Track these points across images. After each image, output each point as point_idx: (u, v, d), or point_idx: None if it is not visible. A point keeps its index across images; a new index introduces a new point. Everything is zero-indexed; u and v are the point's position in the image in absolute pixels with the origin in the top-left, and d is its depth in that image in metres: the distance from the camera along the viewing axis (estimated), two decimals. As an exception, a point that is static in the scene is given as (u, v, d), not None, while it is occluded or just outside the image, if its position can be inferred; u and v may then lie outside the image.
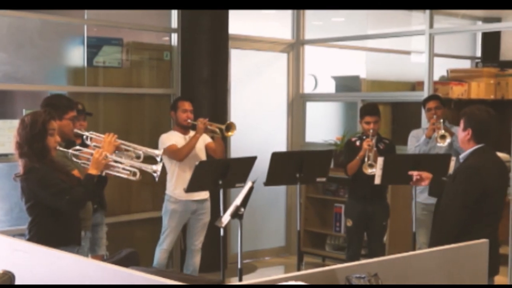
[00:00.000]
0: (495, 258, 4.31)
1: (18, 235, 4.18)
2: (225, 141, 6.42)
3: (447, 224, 4.33)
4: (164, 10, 7.27)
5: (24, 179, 4.06)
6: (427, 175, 4.91)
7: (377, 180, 5.64)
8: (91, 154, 4.31)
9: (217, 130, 6.17)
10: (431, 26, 7.24)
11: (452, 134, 5.90)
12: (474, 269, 3.07)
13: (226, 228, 5.26)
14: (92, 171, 4.19)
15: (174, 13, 7.28)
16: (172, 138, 6.10)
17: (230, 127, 6.23)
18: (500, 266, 5.00)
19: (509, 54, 8.35)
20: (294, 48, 8.47)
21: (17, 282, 2.46)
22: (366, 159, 6.09)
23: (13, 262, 2.54)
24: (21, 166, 4.05)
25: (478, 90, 8.42)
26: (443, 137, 6.00)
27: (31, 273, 2.65)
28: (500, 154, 5.13)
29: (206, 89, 7.19)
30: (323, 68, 8.87)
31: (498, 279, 5.06)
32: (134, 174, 4.47)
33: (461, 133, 4.48)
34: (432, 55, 7.30)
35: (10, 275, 2.41)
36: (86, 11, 6.75)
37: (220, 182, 5.52)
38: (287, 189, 8.31)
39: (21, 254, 2.87)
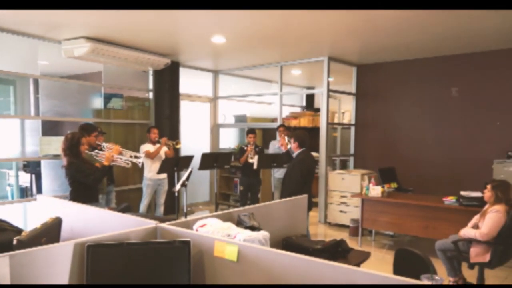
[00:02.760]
0: (310, 203, 4.48)
1: (64, 197, 4.02)
2: (176, 150, 6.33)
3: (291, 187, 4.43)
4: (145, 78, 7.16)
5: (67, 168, 3.99)
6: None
7: (255, 166, 5.78)
8: (105, 154, 4.26)
9: (171, 144, 6.15)
10: (281, 90, 7.43)
11: (290, 143, 6.09)
12: (300, 208, 3.04)
13: (178, 192, 5.22)
14: (106, 163, 4.16)
15: (151, 80, 7.16)
16: (147, 147, 5.99)
17: (178, 143, 6.26)
18: (313, 207, 5.24)
19: (318, 104, 8.68)
20: (213, 100, 8.48)
21: (63, 224, 2.31)
22: (250, 155, 6.19)
23: (61, 212, 2.43)
24: (65, 161, 3.97)
25: (304, 122, 8.74)
26: (286, 145, 6.17)
27: (71, 217, 2.50)
28: (314, 153, 5.35)
29: (167, 121, 7.11)
30: (228, 110, 8.92)
31: (312, 213, 5.22)
32: (128, 164, 4.49)
33: (293, 143, 4.66)
34: (281, 105, 7.51)
35: (59, 219, 2.30)
36: (103, 78, 6.56)
37: (175, 168, 5.51)
38: (210, 172, 8.29)
39: (66, 207, 2.72)
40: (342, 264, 1.49)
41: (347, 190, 6.37)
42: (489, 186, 3.79)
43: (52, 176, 6.41)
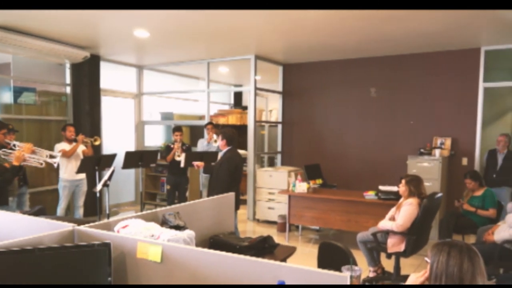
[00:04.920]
0: (238, 201, 4.52)
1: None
2: (94, 148, 6.00)
3: (219, 185, 4.41)
4: (61, 71, 6.70)
5: None
6: (201, 163, 4.99)
7: (182, 164, 5.68)
8: (14, 154, 3.98)
9: (89, 142, 5.83)
10: (208, 87, 7.39)
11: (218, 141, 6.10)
12: (228, 205, 3.03)
13: (100, 193, 4.98)
14: (15, 163, 3.89)
15: (68, 74, 6.74)
16: (62, 146, 5.61)
17: (96, 140, 5.93)
18: (241, 205, 5.28)
19: (246, 102, 8.77)
20: (138, 96, 8.20)
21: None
22: (177, 153, 6.10)
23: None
24: None
25: (232, 120, 8.79)
26: (215, 141, 6.16)
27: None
28: (241, 151, 5.39)
29: (87, 118, 6.76)
30: (154, 107, 8.67)
31: (240, 211, 5.25)
32: (42, 164, 4.26)
33: (221, 141, 4.65)
34: (209, 102, 7.48)
35: None
36: (11, 70, 6.04)
37: (96, 167, 5.25)
38: (135, 171, 8.03)
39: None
40: (267, 260, 1.52)
41: (274, 187, 6.51)
42: (403, 181, 4.09)
43: (-49, 178, 5.80)
